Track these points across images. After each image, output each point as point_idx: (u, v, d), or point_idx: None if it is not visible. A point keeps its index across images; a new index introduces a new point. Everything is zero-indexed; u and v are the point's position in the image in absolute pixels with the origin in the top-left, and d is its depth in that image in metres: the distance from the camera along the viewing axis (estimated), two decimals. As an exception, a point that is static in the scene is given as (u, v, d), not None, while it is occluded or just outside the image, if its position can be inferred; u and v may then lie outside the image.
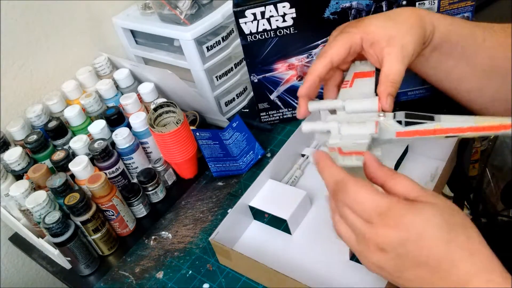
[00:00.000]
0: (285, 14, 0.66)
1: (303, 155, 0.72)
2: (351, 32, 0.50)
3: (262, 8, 0.65)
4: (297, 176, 0.69)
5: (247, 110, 0.87)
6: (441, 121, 0.44)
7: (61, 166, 0.67)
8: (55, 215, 0.59)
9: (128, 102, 0.75)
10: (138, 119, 0.73)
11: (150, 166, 0.75)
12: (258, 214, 0.64)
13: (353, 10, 0.65)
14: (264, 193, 0.64)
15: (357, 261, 0.56)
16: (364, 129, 0.46)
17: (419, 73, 0.57)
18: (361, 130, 0.46)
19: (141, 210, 0.71)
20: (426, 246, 0.36)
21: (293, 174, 0.69)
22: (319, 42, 0.69)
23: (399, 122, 0.46)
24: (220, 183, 0.73)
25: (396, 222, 0.36)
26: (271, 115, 0.79)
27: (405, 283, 0.38)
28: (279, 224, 0.62)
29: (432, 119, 0.44)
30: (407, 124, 0.45)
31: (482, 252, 0.36)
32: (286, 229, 0.61)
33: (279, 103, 0.77)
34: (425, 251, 0.36)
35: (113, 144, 0.71)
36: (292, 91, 0.75)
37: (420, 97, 0.73)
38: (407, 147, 0.66)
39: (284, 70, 0.73)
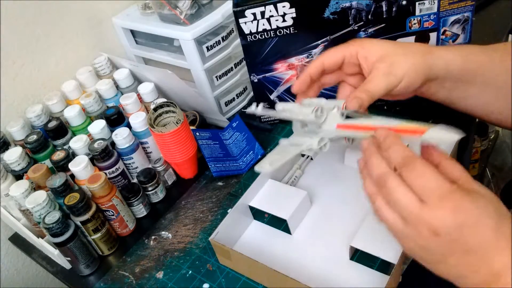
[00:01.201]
0: (285, 14, 0.66)
1: (303, 155, 0.72)
2: (349, 44, 0.53)
3: (262, 8, 0.65)
4: (297, 176, 0.69)
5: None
6: (374, 119, 0.45)
7: (61, 166, 0.67)
8: (55, 215, 0.59)
9: (128, 102, 0.75)
10: (138, 119, 0.73)
11: (150, 166, 0.75)
12: (258, 214, 0.64)
13: (353, 10, 0.65)
14: (264, 193, 0.64)
15: (357, 261, 0.56)
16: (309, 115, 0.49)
17: (449, 105, 0.58)
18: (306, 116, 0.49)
19: (141, 210, 0.71)
20: (480, 233, 0.36)
21: (293, 174, 0.69)
22: (319, 42, 0.69)
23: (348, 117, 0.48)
24: (220, 183, 0.73)
25: (456, 206, 0.37)
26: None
27: (445, 269, 0.39)
28: (279, 224, 0.62)
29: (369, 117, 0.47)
30: (347, 118, 0.47)
31: None
32: (286, 229, 0.61)
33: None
34: (478, 238, 0.36)
35: (113, 144, 0.71)
36: (292, 91, 0.75)
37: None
38: (407, 146, 0.66)
39: (284, 70, 0.73)
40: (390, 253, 0.52)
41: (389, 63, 0.50)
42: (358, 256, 0.57)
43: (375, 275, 0.55)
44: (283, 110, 0.54)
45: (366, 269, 0.55)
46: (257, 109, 0.55)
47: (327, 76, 0.56)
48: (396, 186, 0.39)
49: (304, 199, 0.62)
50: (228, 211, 0.67)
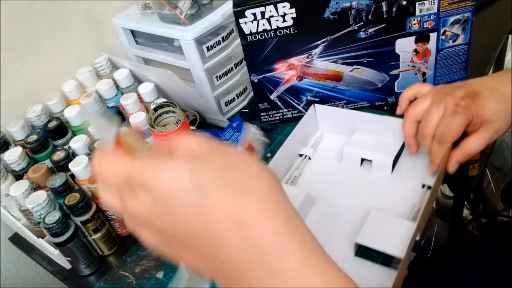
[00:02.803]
0: (285, 14, 0.66)
1: (301, 155, 0.72)
2: (470, 110, 0.56)
3: (262, 8, 0.65)
4: (296, 175, 0.69)
5: (247, 110, 0.87)
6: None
7: (61, 166, 0.67)
8: (55, 215, 0.59)
9: (128, 102, 0.75)
10: (138, 119, 0.73)
11: (150, 166, 0.75)
12: None
13: (353, 10, 0.65)
14: None
15: (362, 257, 0.57)
16: None
17: None
18: None
19: (141, 210, 0.71)
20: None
21: (292, 174, 0.69)
22: (319, 42, 0.69)
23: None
24: (220, 183, 0.73)
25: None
26: (271, 115, 0.79)
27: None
28: None
29: None
30: None
31: None
32: None
33: (279, 103, 0.77)
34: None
35: (113, 144, 0.71)
36: (292, 91, 0.76)
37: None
38: (403, 144, 0.66)
39: (284, 70, 0.73)
40: (396, 248, 0.52)
41: (493, 131, 0.56)
42: (363, 252, 0.57)
43: (381, 270, 0.55)
44: None
45: (372, 264, 0.56)
46: None
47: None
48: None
49: (306, 198, 0.62)
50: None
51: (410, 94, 0.63)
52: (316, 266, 0.28)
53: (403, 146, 0.66)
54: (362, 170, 0.67)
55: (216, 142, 0.29)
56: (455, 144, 0.58)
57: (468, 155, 0.58)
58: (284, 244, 0.27)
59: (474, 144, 0.57)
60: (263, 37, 0.68)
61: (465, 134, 0.58)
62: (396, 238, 0.53)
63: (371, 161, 0.66)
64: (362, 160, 0.67)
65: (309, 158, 0.71)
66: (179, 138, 0.30)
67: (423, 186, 0.62)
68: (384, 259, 0.55)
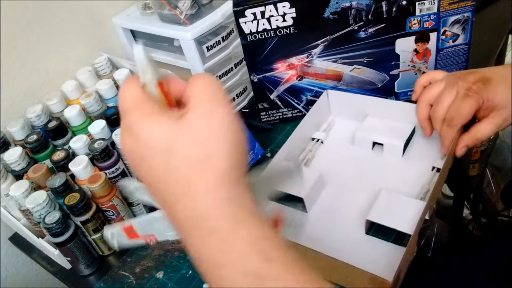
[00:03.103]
0: (285, 13, 0.66)
1: (313, 139, 0.73)
2: (479, 96, 0.57)
3: (262, 8, 0.65)
4: (309, 158, 0.70)
5: (247, 110, 0.87)
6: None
7: (61, 166, 0.67)
8: (55, 215, 0.59)
9: (128, 102, 0.75)
10: (138, 119, 0.72)
11: (150, 166, 0.75)
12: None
13: (353, 10, 0.65)
14: None
15: (373, 234, 0.58)
16: None
17: None
18: None
19: (141, 210, 0.71)
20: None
21: (305, 156, 0.70)
22: (319, 42, 0.69)
23: None
24: (220, 183, 0.73)
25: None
26: (271, 115, 0.79)
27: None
28: (296, 202, 0.63)
29: None
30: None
31: None
32: (302, 208, 0.63)
33: (279, 103, 0.77)
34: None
35: (113, 144, 0.71)
36: (292, 90, 0.76)
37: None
38: (414, 128, 0.67)
39: (284, 70, 0.73)
40: (406, 225, 0.54)
41: (504, 117, 0.56)
42: (374, 229, 0.58)
43: (391, 247, 0.56)
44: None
45: (382, 242, 0.57)
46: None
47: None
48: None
49: (319, 179, 0.64)
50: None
51: (425, 81, 0.64)
52: (247, 223, 0.31)
53: (414, 130, 0.68)
54: (374, 154, 0.69)
55: (218, 99, 0.32)
56: (466, 129, 0.59)
57: (477, 140, 0.58)
58: (223, 212, 0.30)
59: (484, 130, 0.58)
60: (263, 36, 0.68)
61: (475, 121, 0.59)
62: (406, 216, 0.55)
63: (382, 144, 0.67)
64: (374, 144, 0.68)
65: (322, 142, 0.73)
66: (194, 87, 0.33)
67: (433, 168, 0.63)
68: (396, 237, 0.57)
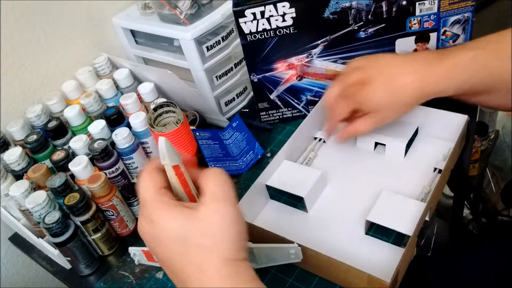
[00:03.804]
0: (284, 13, 0.66)
1: (315, 138, 0.73)
2: (349, 101, 0.61)
3: (261, 8, 0.65)
4: (311, 157, 0.70)
5: (247, 110, 0.87)
6: None
7: (61, 166, 0.67)
8: (55, 215, 0.59)
9: (128, 102, 0.75)
10: (138, 119, 0.72)
11: (150, 166, 0.75)
12: (275, 193, 0.65)
13: (353, 10, 0.65)
14: (281, 173, 0.66)
15: (373, 235, 0.58)
16: None
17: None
18: None
19: (141, 210, 0.71)
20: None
21: (307, 155, 0.70)
22: (319, 41, 0.69)
23: None
24: (220, 183, 0.73)
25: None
26: (271, 115, 0.79)
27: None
28: (296, 202, 0.63)
29: None
30: None
31: None
32: (303, 207, 0.63)
33: (279, 103, 0.77)
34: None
35: (113, 144, 0.71)
36: (292, 90, 0.76)
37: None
38: (417, 129, 0.68)
39: (284, 70, 0.73)
40: (405, 226, 0.54)
41: (381, 118, 0.59)
42: (374, 230, 0.58)
43: (390, 248, 0.56)
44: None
45: (382, 242, 0.57)
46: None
47: None
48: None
49: (320, 179, 0.64)
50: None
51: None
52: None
53: (416, 131, 0.68)
54: (376, 154, 0.69)
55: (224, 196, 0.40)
56: None
57: (357, 133, 0.64)
58: (226, 284, 0.37)
59: (363, 126, 0.61)
60: (263, 36, 0.68)
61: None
62: (406, 217, 0.55)
63: (384, 145, 0.67)
64: (376, 144, 0.68)
65: (324, 141, 0.73)
66: (208, 182, 0.41)
67: (435, 169, 0.63)
68: (395, 238, 0.57)
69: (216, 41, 0.76)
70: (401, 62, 0.58)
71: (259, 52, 0.70)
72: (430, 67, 0.56)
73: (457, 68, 0.55)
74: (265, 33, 0.68)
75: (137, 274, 0.63)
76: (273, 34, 0.68)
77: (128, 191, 0.69)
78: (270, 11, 0.66)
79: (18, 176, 0.68)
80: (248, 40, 0.69)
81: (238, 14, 0.66)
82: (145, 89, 0.79)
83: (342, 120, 0.63)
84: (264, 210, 0.65)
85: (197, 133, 0.75)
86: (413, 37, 0.68)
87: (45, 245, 0.64)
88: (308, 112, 0.77)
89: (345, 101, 0.61)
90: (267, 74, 0.73)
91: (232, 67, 0.82)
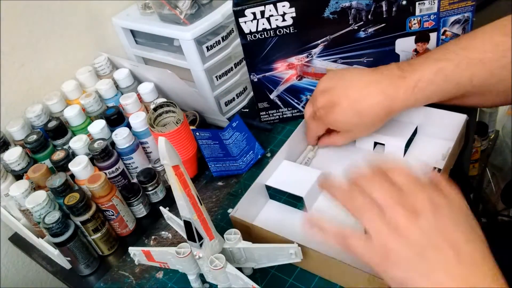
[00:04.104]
0: (284, 13, 0.66)
1: None
2: (321, 123, 0.65)
3: (261, 8, 0.65)
4: (310, 157, 0.70)
5: (247, 110, 0.87)
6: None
7: (61, 166, 0.67)
8: (55, 215, 0.59)
9: (128, 102, 0.75)
10: (138, 119, 0.73)
11: (150, 166, 0.75)
12: (274, 193, 0.65)
13: (353, 10, 0.65)
14: (280, 173, 0.66)
15: None
16: None
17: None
18: None
19: (141, 210, 0.71)
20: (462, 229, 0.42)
21: (306, 155, 0.70)
22: (319, 41, 0.69)
23: None
24: (220, 183, 0.73)
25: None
26: (271, 115, 0.79)
27: (424, 264, 0.40)
28: (295, 202, 0.63)
29: None
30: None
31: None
32: (302, 207, 0.63)
33: (279, 103, 0.77)
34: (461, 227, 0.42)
35: (113, 144, 0.71)
36: (292, 90, 0.76)
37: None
38: (416, 128, 0.67)
39: (284, 70, 0.73)
40: None
41: (351, 137, 0.65)
42: None
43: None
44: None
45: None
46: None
47: None
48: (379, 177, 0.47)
49: (319, 178, 0.63)
50: (229, 210, 0.67)
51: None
52: None
53: (415, 131, 0.68)
54: (375, 154, 0.68)
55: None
56: None
57: (334, 145, 0.68)
58: None
59: (337, 140, 0.66)
60: (263, 36, 0.69)
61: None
62: None
63: (383, 144, 0.67)
64: (375, 143, 0.68)
65: None
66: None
67: (434, 169, 0.63)
68: None
69: (216, 41, 0.76)
70: (367, 83, 0.59)
71: (259, 52, 0.70)
72: (396, 86, 0.57)
73: (422, 83, 0.56)
74: (265, 33, 0.68)
75: (137, 274, 0.63)
76: (273, 34, 0.68)
77: (128, 191, 0.69)
78: (270, 10, 0.66)
79: (18, 176, 0.68)
80: (248, 40, 0.69)
81: (238, 14, 0.66)
82: (145, 89, 0.79)
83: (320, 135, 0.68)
84: (264, 210, 0.65)
85: (197, 133, 0.75)
86: (413, 37, 0.68)
87: (45, 245, 0.64)
88: (308, 112, 0.77)
89: (317, 122, 0.65)
90: (267, 74, 0.73)
91: (232, 67, 0.82)
